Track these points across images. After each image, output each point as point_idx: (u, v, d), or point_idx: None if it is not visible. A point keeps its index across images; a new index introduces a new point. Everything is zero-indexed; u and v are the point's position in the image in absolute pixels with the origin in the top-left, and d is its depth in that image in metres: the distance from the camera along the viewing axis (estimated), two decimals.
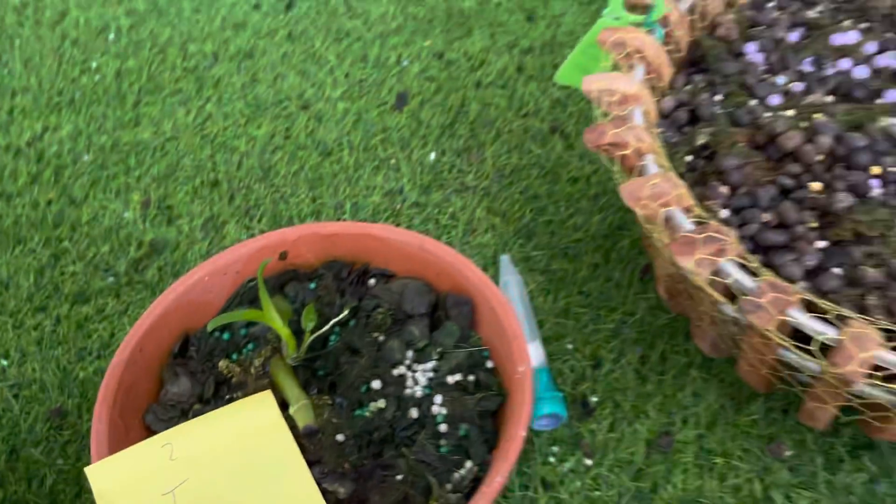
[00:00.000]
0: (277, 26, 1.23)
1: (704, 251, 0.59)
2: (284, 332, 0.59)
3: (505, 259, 0.90)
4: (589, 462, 0.75)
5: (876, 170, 0.64)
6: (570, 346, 0.83)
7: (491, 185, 0.99)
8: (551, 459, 0.75)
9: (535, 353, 0.80)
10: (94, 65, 1.19)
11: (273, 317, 0.58)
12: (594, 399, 0.79)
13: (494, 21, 1.20)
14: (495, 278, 0.89)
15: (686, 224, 0.62)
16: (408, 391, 0.61)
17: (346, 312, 0.64)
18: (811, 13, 0.81)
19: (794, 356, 0.59)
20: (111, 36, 1.23)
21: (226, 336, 0.67)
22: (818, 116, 0.69)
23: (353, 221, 0.84)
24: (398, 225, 0.96)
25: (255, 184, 1.01)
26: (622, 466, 0.75)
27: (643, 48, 0.75)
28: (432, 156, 1.03)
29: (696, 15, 0.82)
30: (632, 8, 0.80)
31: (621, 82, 0.72)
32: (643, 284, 0.87)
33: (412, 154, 1.03)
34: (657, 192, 0.63)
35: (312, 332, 0.62)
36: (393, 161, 1.03)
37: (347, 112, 1.09)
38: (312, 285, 0.68)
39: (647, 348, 0.82)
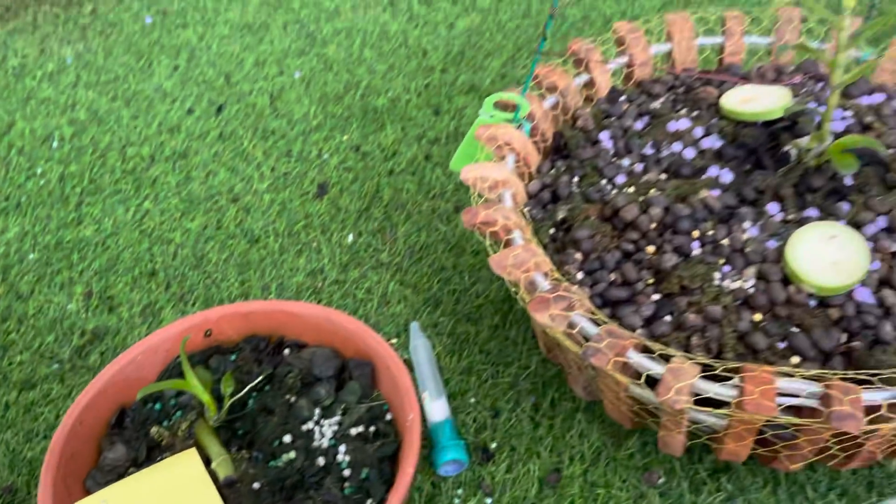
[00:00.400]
0: (209, 128, 1.36)
1: (556, 308, 0.72)
2: (205, 397, 0.69)
3: (414, 326, 1.01)
4: (489, 501, 0.85)
5: (696, 233, 0.78)
6: (472, 400, 0.94)
7: (403, 261, 1.11)
8: (456, 501, 0.85)
9: (440, 408, 0.91)
10: (38, 170, 1.30)
11: (195, 384, 0.68)
12: (494, 445, 0.90)
13: (405, 116, 1.35)
14: (407, 343, 1.00)
15: (543, 285, 0.75)
16: (315, 443, 0.71)
17: (259, 379, 0.74)
18: (655, 104, 0.96)
19: (639, 391, 0.71)
20: (55, 144, 1.35)
21: (157, 406, 0.76)
22: (652, 191, 0.83)
23: (269, 300, 0.95)
24: (320, 301, 1.07)
25: (189, 271, 1.12)
26: (518, 502, 0.85)
27: (512, 141, 0.89)
28: (350, 237, 1.15)
29: (558, 110, 0.97)
30: (503, 108, 0.95)
31: (493, 170, 0.86)
32: (535, 341, 0.99)
33: (332, 237, 1.15)
34: (519, 260, 0.76)
35: (231, 396, 0.72)
36: (315, 244, 1.14)
37: (273, 202, 1.21)
38: (233, 357, 0.79)
39: (539, 397, 0.94)
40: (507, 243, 0.81)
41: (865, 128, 0.87)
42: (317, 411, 0.74)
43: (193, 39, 1.58)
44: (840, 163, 0.76)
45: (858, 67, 0.75)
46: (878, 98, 0.92)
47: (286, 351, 0.81)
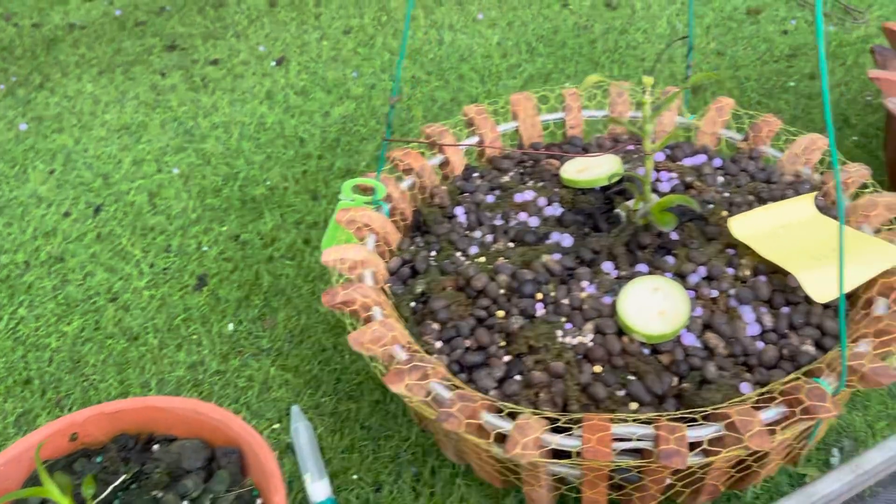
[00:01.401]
0: (86, 230, 1.36)
1: (412, 378, 0.76)
2: (64, 502, 0.69)
3: (295, 409, 1.02)
4: None
5: (539, 295, 0.84)
6: (355, 477, 0.96)
7: (283, 345, 1.13)
8: None
9: (322, 489, 0.92)
10: None
11: (51, 490, 0.68)
12: None
13: (283, 203, 1.39)
14: (289, 427, 1.01)
15: (401, 357, 0.78)
16: None
17: (124, 478, 0.74)
18: (504, 178, 1.04)
19: (495, 449, 0.75)
20: None
21: None
22: (500, 260, 0.89)
23: (134, 398, 0.95)
24: (201, 393, 1.07)
25: (65, 376, 1.11)
26: None
27: (370, 222, 0.94)
28: (230, 326, 1.16)
29: (416, 189, 1.03)
30: (362, 191, 1.00)
31: (351, 252, 0.90)
32: None
33: (212, 328, 1.16)
34: (376, 336, 0.80)
35: (93, 498, 0.71)
36: (195, 336, 1.15)
37: (153, 298, 1.22)
38: (99, 459, 0.79)
39: (420, 466, 0.96)
40: (368, 320, 0.84)
41: (688, 186, 0.96)
42: None
43: (70, 143, 1.59)
44: (660, 221, 0.84)
45: (664, 137, 0.83)
46: (699, 159, 1.02)
47: (155, 447, 0.81)
